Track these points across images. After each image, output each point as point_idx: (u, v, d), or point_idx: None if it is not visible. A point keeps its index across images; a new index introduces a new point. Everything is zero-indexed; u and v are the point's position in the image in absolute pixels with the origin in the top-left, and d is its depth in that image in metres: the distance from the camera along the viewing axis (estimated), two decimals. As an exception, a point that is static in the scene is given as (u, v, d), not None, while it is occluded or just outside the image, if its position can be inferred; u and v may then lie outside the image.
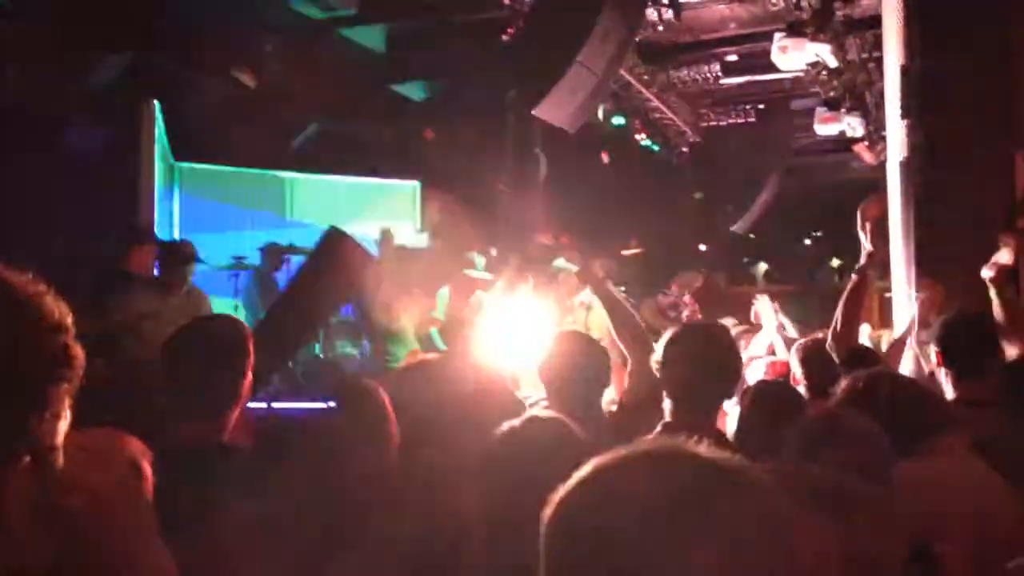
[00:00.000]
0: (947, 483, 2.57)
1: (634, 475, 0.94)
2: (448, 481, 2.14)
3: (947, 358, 3.32)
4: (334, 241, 4.24)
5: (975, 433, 2.86)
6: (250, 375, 2.41)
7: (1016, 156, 4.58)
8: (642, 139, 11.14)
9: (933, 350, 3.43)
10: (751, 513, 0.91)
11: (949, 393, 3.30)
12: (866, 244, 3.79)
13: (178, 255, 5.58)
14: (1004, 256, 3.63)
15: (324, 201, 9.99)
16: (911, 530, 2.14)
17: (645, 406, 3.12)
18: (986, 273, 3.60)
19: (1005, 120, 4.63)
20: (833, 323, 3.84)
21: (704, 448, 0.96)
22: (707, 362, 2.74)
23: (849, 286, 3.88)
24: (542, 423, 2.18)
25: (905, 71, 4.84)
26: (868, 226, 3.89)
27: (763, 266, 13.60)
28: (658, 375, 2.83)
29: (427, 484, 2.23)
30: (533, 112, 7.22)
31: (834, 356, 3.74)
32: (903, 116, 4.81)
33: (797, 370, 4.60)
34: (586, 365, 3.17)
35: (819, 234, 17.75)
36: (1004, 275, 3.62)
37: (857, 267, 3.87)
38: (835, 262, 17.26)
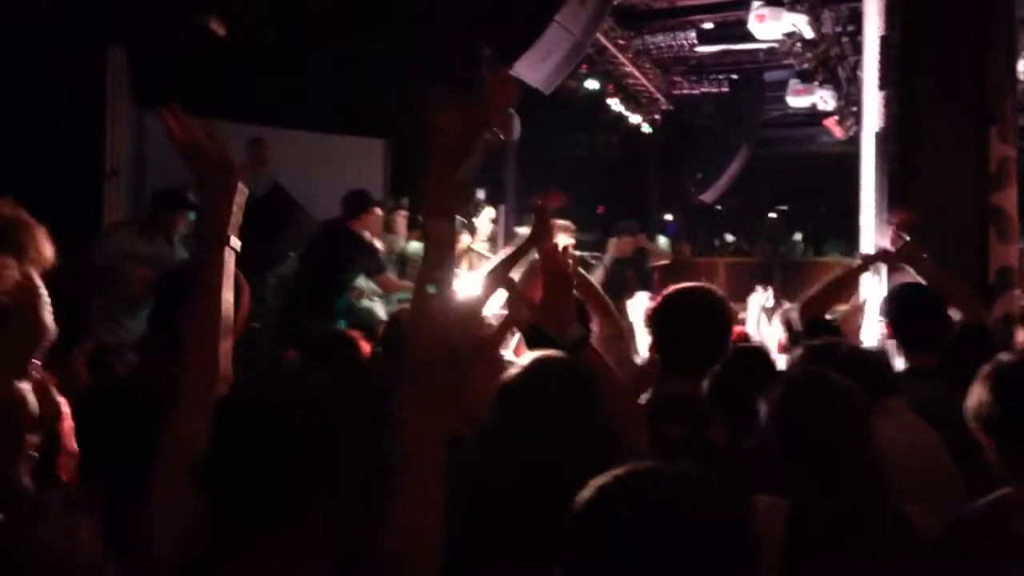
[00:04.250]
0: (895, 442, 2.63)
1: None
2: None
3: (896, 330, 3.37)
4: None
5: (918, 398, 2.92)
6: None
7: (989, 131, 4.60)
8: (615, 104, 11.08)
9: (883, 322, 3.48)
10: None
11: (900, 364, 3.35)
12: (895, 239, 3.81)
13: (163, 203, 5.51)
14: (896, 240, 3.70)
15: (288, 156, 9.81)
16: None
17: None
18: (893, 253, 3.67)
19: (981, 93, 4.63)
20: (810, 291, 3.86)
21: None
22: (701, 326, 2.71)
23: (848, 269, 3.92)
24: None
25: (884, 41, 4.83)
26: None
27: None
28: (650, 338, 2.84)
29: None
30: (509, 72, 7.14)
31: (797, 322, 3.77)
32: (881, 87, 4.80)
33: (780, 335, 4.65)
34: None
35: (785, 208, 17.88)
36: (908, 253, 3.67)
37: (865, 254, 3.92)
38: (798, 235, 17.42)
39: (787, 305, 5.29)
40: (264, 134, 7.37)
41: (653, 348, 2.88)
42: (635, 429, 2.41)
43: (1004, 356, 2.34)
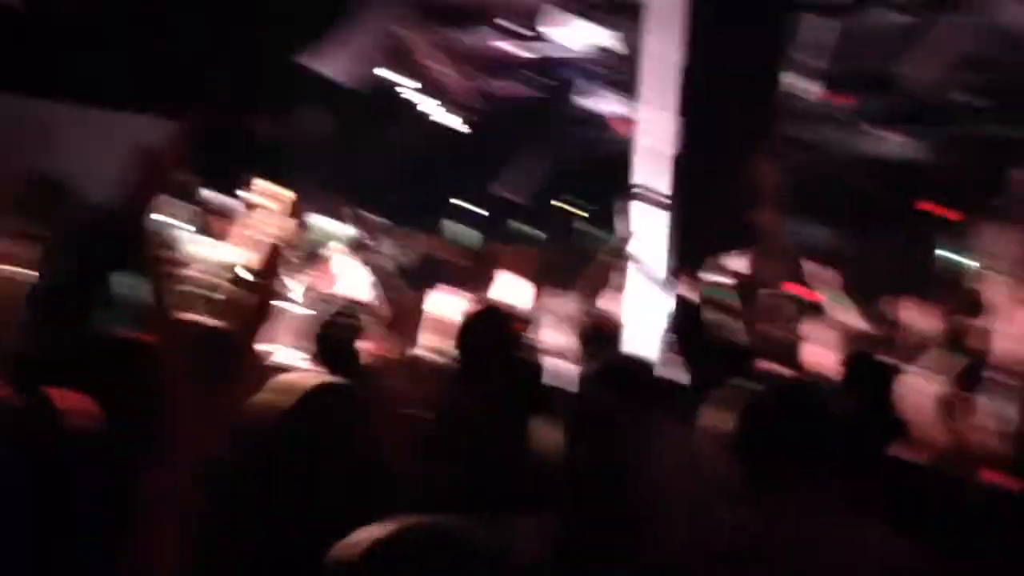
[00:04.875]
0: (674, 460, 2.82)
1: None
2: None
3: (678, 344, 3.62)
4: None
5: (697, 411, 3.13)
6: None
7: (761, 153, 4.94)
8: (419, 100, 11.07)
9: (671, 339, 3.70)
10: None
11: (682, 377, 3.58)
12: (619, 232, 4.01)
13: None
14: (738, 262, 3.97)
15: (78, 135, 9.23)
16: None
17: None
18: (725, 280, 3.92)
19: (756, 119, 4.98)
20: (585, 306, 4.05)
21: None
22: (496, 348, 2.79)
23: (595, 268, 4.10)
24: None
25: (680, 66, 5.10)
26: (623, 216, 4.12)
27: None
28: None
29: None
30: (306, 63, 7.02)
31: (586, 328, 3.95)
32: (665, 109, 5.07)
33: (561, 340, 4.80)
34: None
35: (585, 203, 18.43)
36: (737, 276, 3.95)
37: (606, 250, 4.10)
38: (595, 230, 18.04)
39: (571, 307, 5.48)
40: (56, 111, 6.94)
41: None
42: (403, 453, 2.46)
43: (753, 387, 2.53)
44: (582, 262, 15.44)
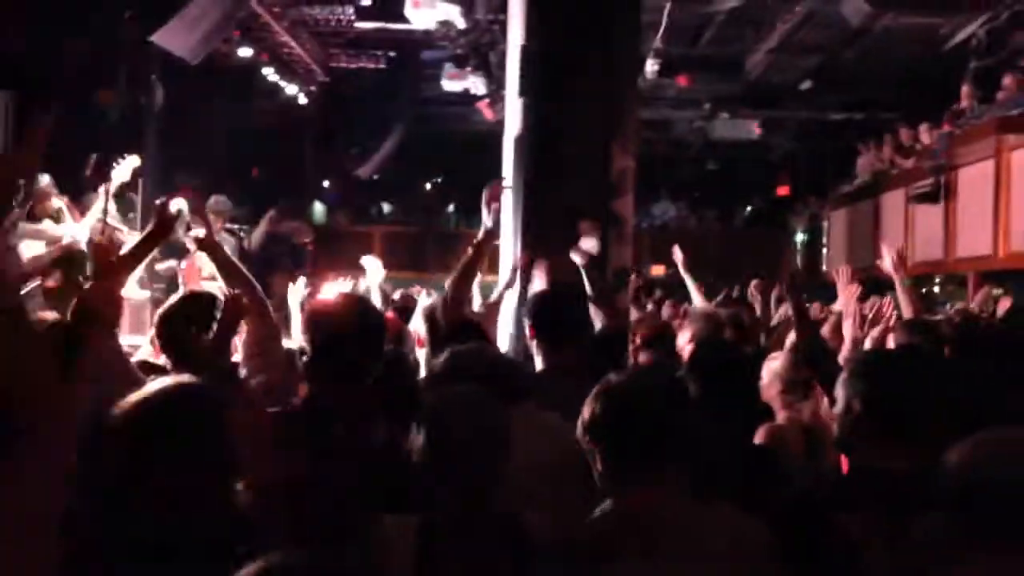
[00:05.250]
0: (531, 447, 2.84)
1: None
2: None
3: (537, 331, 3.62)
4: None
5: (555, 398, 3.17)
6: None
7: (612, 144, 5.01)
8: (269, 74, 10.80)
9: (527, 323, 3.71)
10: None
11: (540, 363, 3.60)
12: (487, 222, 4.00)
13: None
14: (589, 243, 4.00)
15: None
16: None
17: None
18: (575, 258, 3.95)
19: (606, 107, 5.03)
20: (444, 295, 4.02)
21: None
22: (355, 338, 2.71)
23: (464, 260, 4.07)
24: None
25: (525, 51, 5.11)
26: (492, 206, 4.11)
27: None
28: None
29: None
30: (151, 38, 6.71)
31: (441, 323, 3.92)
32: (520, 95, 5.08)
33: (422, 330, 4.77)
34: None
35: (440, 180, 18.45)
36: (589, 259, 3.99)
37: (475, 242, 4.07)
38: (451, 207, 18.08)
39: (427, 299, 5.43)
40: None
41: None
42: (261, 452, 2.39)
43: (612, 376, 2.56)
44: (446, 242, 15.42)
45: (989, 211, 9.18)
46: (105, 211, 6.56)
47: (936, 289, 11.62)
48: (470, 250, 4.06)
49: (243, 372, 3.39)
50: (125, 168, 6.80)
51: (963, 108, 9.79)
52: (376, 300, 5.46)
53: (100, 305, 2.82)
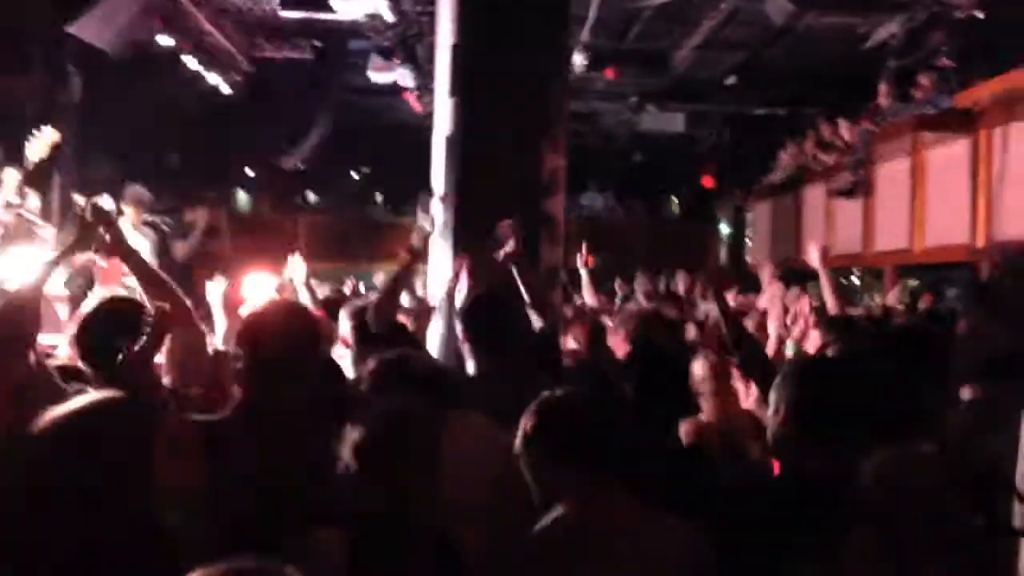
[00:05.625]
0: (464, 456, 2.83)
1: None
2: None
3: (471, 335, 3.61)
4: None
5: (489, 404, 3.17)
6: None
7: (542, 143, 5.02)
8: (192, 63, 10.54)
9: (459, 327, 3.69)
10: None
11: (473, 368, 3.58)
12: (425, 226, 3.96)
13: None
14: (512, 244, 4.00)
15: None
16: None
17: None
18: (502, 256, 3.95)
19: (537, 107, 5.03)
20: (376, 299, 3.98)
21: None
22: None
23: (400, 265, 4.04)
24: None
25: (455, 50, 5.08)
26: (429, 208, 4.09)
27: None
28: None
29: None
30: (68, 29, 6.49)
31: (372, 327, 3.88)
32: (451, 94, 5.05)
33: (346, 331, 4.71)
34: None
35: (367, 170, 18.27)
36: (518, 258, 3.99)
37: (410, 247, 4.04)
38: (379, 197, 17.92)
39: (359, 298, 5.37)
40: None
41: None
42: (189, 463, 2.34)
43: (549, 390, 2.55)
44: (373, 232, 15.27)
45: (906, 207, 9.43)
46: (20, 196, 6.26)
47: (856, 281, 11.90)
48: (404, 254, 4.03)
49: (168, 381, 3.32)
50: (41, 143, 6.26)
51: (881, 106, 10.02)
52: (304, 299, 5.38)
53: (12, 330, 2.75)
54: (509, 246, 4.11)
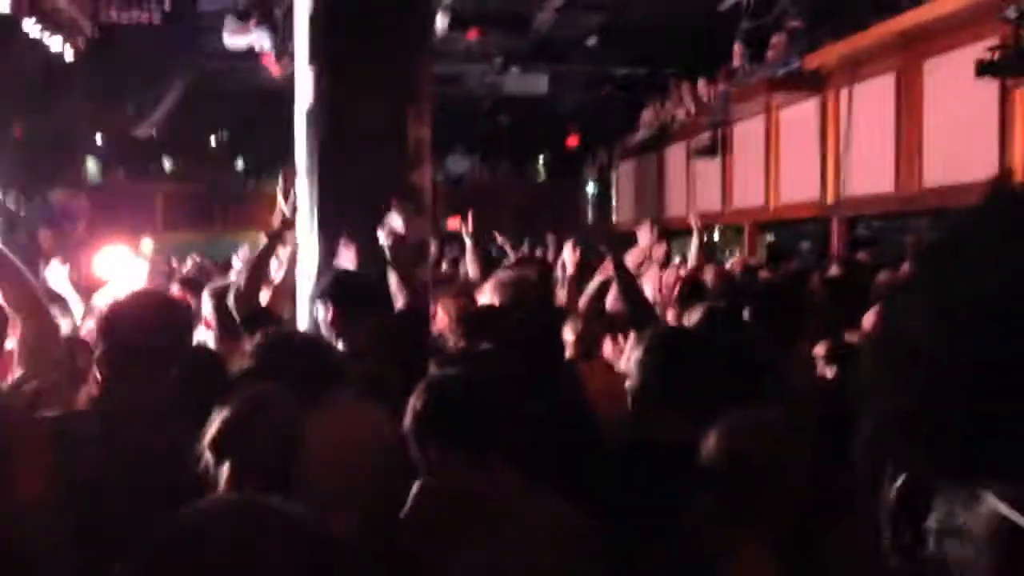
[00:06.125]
0: (352, 429, 2.82)
1: None
2: None
3: (337, 314, 3.57)
4: None
5: (360, 380, 3.15)
6: None
7: (407, 107, 4.93)
8: (32, 27, 9.93)
9: (324, 306, 3.63)
10: None
11: (340, 347, 3.55)
12: (284, 209, 3.85)
13: None
14: (396, 222, 3.94)
15: None
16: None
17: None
18: (383, 239, 3.89)
19: (400, 76, 4.93)
20: (237, 283, 3.87)
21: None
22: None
23: (259, 250, 3.93)
24: None
25: (313, 17, 4.93)
26: (289, 193, 3.97)
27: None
28: None
29: None
30: None
31: (235, 314, 3.78)
32: (310, 62, 4.90)
33: (209, 313, 4.58)
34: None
35: (226, 136, 17.70)
36: (398, 240, 3.94)
37: (270, 232, 3.94)
38: (240, 164, 17.41)
39: (215, 281, 5.20)
40: None
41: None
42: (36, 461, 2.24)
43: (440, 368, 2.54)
44: (234, 200, 14.85)
45: (761, 166, 9.78)
46: None
47: (716, 238, 12.30)
48: (265, 238, 3.93)
49: (16, 375, 3.16)
50: None
51: (736, 67, 10.31)
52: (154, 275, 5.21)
53: None
54: (396, 224, 4.04)
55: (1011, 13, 5.98)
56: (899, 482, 0.55)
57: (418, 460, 2.36)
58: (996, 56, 6.11)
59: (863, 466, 0.59)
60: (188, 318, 2.87)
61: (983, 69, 6.17)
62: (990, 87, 6.39)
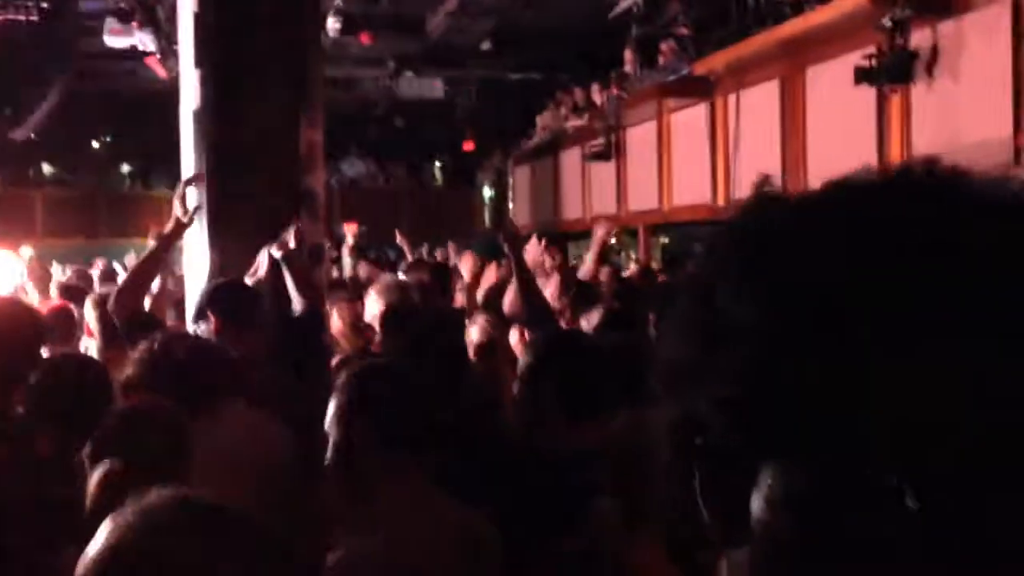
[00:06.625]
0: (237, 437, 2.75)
1: None
2: None
3: (222, 322, 3.48)
4: None
5: (252, 384, 3.08)
6: None
7: (299, 117, 4.85)
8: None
9: (208, 315, 3.53)
10: None
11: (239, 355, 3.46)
12: (179, 213, 3.73)
13: None
14: (290, 237, 3.86)
15: None
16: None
17: None
18: (275, 252, 3.81)
19: (293, 79, 4.84)
20: (118, 287, 3.74)
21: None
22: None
23: (146, 253, 3.80)
24: None
25: (199, 18, 4.80)
26: (182, 195, 3.85)
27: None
28: None
29: None
30: None
31: (115, 320, 3.64)
32: (197, 66, 4.78)
33: (92, 320, 4.42)
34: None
35: (109, 139, 17.14)
36: (290, 253, 3.85)
37: (162, 233, 3.80)
38: (125, 167, 16.87)
39: (97, 287, 5.02)
40: None
41: None
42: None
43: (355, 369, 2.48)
44: (119, 204, 14.36)
45: (654, 169, 9.96)
46: None
47: (612, 241, 12.49)
48: (153, 242, 3.80)
49: None
50: None
51: (628, 73, 10.48)
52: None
53: None
54: (288, 236, 3.93)
55: (887, 22, 6.22)
56: (714, 461, 0.57)
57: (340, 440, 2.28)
58: (873, 63, 6.34)
59: (671, 451, 0.61)
60: (40, 326, 2.78)
61: (861, 76, 6.40)
62: (868, 94, 6.64)
